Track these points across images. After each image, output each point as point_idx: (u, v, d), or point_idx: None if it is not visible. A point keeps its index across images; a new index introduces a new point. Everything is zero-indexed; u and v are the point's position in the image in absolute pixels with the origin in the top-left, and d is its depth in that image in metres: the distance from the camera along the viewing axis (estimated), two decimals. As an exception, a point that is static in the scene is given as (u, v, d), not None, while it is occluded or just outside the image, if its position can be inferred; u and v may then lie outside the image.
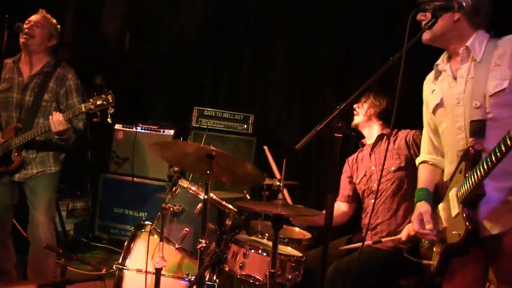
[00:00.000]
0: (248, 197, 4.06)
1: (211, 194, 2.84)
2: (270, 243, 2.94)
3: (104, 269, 3.11)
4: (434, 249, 2.30)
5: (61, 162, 3.67)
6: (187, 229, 2.89)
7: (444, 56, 2.31)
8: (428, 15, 2.16)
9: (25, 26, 3.50)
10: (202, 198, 2.82)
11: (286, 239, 3.41)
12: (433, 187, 2.38)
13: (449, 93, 2.22)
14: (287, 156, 3.35)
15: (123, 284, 2.96)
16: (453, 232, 2.10)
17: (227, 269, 2.83)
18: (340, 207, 3.52)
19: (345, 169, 3.54)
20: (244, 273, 2.75)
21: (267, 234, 3.40)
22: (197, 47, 5.69)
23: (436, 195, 2.37)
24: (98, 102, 3.25)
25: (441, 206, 2.26)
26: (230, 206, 3.03)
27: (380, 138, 3.33)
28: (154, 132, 5.22)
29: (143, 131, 5.22)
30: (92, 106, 3.26)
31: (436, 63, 2.33)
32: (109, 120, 3.29)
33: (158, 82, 5.73)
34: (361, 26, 4.85)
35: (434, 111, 2.32)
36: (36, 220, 3.52)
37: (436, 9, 2.10)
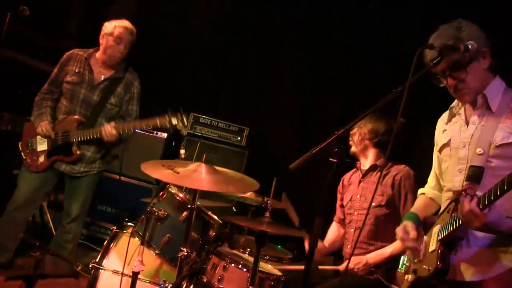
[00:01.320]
0: (234, 209, 4.03)
1: (198, 203, 2.81)
2: (251, 259, 2.91)
3: (80, 266, 3.06)
4: (405, 277, 2.37)
5: (107, 161, 3.90)
6: (169, 236, 2.86)
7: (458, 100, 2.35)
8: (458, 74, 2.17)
9: (114, 43, 3.68)
10: (188, 206, 2.79)
11: (267, 257, 3.38)
12: (423, 216, 2.45)
13: (457, 136, 2.27)
14: (278, 175, 3.32)
15: (97, 284, 2.90)
16: (424, 266, 2.19)
17: (205, 280, 2.79)
18: (339, 229, 3.47)
19: (339, 189, 3.50)
20: (222, 286, 2.71)
21: (248, 249, 3.37)
22: (200, 54, 5.70)
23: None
24: (174, 122, 3.43)
25: (425, 239, 2.32)
26: (215, 217, 3.00)
27: (373, 168, 3.28)
28: (146, 134, 5.19)
29: (136, 131, 5.18)
30: (168, 124, 3.44)
31: (451, 105, 2.38)
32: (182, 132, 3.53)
33: (156, 84, 5.70)
34: (368, 51, 4.87)
35: (440, 150, 2.39)
36: (69, 214, 3.75)
37: (443, 48, 2.12)
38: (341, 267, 3.07)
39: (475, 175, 2.10)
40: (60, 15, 5.59)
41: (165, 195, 2.97)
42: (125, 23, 3.76)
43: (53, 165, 3.69)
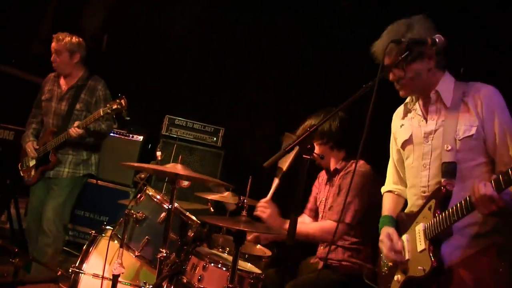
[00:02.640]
0: (212, 210, 4.06)
1: (176, 204, 2.83)
2: (230, 258, 2.94)
3: (59, 272, 3.05)
4: (395, 278, 2.35)
5: (91, 165, 4.15)
6: (148, 237, 2.88)
7: (412, 96, 2.42)
8: (398, 72, 2.26)
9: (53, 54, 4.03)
10: (166, 207, 2.82)
11: (246, 255, 3.42)
12: (395, 215, 2.49)
13: (418, 131, 2.34)
14: (253, 173, 3.35)
15: (78, 289, 2.90)
16: (419, 267, 2.18)
17: (185, 280, 2.82)
18: (305, 220, 3.50)
19: (315, 184, 3.52)
20: (202, 286, 2.75)
21: (228, 249, 3.40)
22: (177, 55, 5.69)
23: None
24: (114, 106, 3.71)
25: (405, 237, 2.32)
26: (194, 218, 3.03)
27: (336, 172, 3.25)
28: (122, 137, 5.18)
29: (111, 134, 5.16)
30: (108, 110, 3.71)
31: (406, 101, 2.45)
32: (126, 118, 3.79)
33: (132, 85, 5.68)
34: (343, 51, 4.94)
35: (403, 146, 2.44)
36: (44, 215, 3.90)
37: (411, 42, 2.17)
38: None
39: (449, 170, 2.16)
40: (31, 20, 5.53)
41: (142, 197, 2.99)
42: (59, 34, 4.05)
43: (43, 176, 4.01)
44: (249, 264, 3.20)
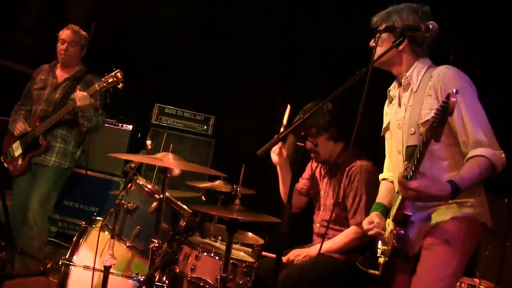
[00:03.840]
0: (203, 198, 4.03)
1: (167, 194, 2.80)
2: (223, 247, 2.92)
3: (49, 264, 3.00)
4: (379, 260, 2.43)
5: (75, 160, 4.10)
6: (139, 228, 2.84)
7: (395, 83, 2.47)
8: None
9: (60, 45, 4.02)
10: (158, 197, 2.78)
11: (239, 243, 3.39)
12: (389, 202, 2.51)
13: (394, 118, 2.41)
14: (245, 161, 3.32)
15: (68, 281, 2.86)
16: (385, 247, 2.30)
17: (178, 270, 2.79)
18: (296, 197, 3.47)
19: (309, 166, 3.49)
20: (195, 276, 2.72)
21: (220, 237, 3.37)
22: (165, 43, 5.62)
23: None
24: (110, 80, 3.73)
25: (387, 221, 2.39)
26: (185, 207, 2.99)
27: (335, 165, 3.23)
28: (111, 126, 5.11)
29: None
30: (105, 84, 3.73)
31: (389, 89, 2.50)
32: (120, 86, 3.76)
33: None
34: (335, 39, 4.92)
35: (383, 133, 2.52)
36: (29, 205, 3.83)
37: (404, 29, 2.22)
38: (284, 259, 3.10)
39: (412, 154, 2.14)
40: (16, 8, 5.43)
41: (133, 187, 2.95)
42: (72, 26, 4.07)
43: (31, 163, 3.94)
44: (241, 252, 3.18)
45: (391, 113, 2.45)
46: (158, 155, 2.83)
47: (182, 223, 2.94)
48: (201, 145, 5.12)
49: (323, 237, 2.96)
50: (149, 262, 2.69)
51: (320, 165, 3.40)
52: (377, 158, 2.90)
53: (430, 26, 2.19)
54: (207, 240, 3.22)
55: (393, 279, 2.37)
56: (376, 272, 2.44)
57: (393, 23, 2.29)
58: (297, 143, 2.03)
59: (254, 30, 5.36)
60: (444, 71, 2.22)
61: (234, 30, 5.46)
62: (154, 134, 4.92)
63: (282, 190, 3.37)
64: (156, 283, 2.76)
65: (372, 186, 3.00)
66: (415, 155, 1.98)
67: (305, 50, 5.24)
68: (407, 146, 2.24)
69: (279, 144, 3.15)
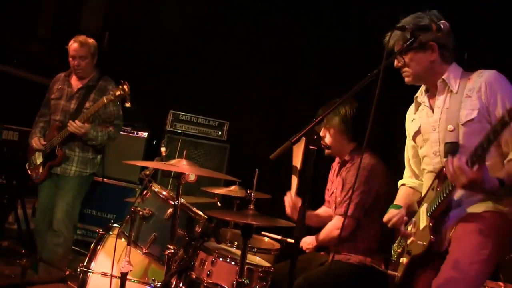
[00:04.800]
0: (219, 204, 4.03)
1: (182, 200, 2.81)
2: (238, 252, 2.92)
3: (67, 271, 3.04)
4: (400, 261, 2.41)
5: (96, 165, 4.16)
6: (155, 234, 2.85)
7: (422, 89, 2.50)
8: (401, 59, 2.36)
9: (71, 59, 4.04)
10: (173, 203, 2.79)
11: (255, 249, 3.39)
12: (406, 205, 2.51)
13: (426, 121, 2.41)
14: (259, 166, 3.32)
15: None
16: (418, 242, 2.26)
17: (194, 276, 2.79)
18: (321, 211, 3.48)
19: (329, 175, 3.49)
20: (211, 281, 2.72)
21: (236, 243, 3.37)
22: (177, 50, 5.66)
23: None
24: (117, 93, 3.77)
25: (412, 221, 2.39)
26: (200, 213, 3.00)
27: (344, 163, 3.24)
28: (127, 134, 5.15)
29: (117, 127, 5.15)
30: (112, 97, 3.77)
31: (416, 95, 2.52)
32: (127, 104, 3.83)
33: (135, 82, 5.65)
34: (342, 40, 4.90)
35: (414, 138, 2.52)
36: (54, 215, 3.90)
37: (415, 29, 2.22)
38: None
39: (451, 150, 2.20)
40: (30, 19, 5.51)
41: (148, 194, 2.97)
42: (79, 37, 4.06)
43: (51, 172, 4.01)
44: (257, 257, 3.18)
45: (421, 118, 2.46)
46: (173, 162, 2.85)
47: (198, 229, 2.96)
48: (215, 150, 5.13)
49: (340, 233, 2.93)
50: (165, 268, 2.70)
51: (336, 166, 3.40)
52: (389, 160, 2.89)
53: (442, 26, 2.21)
54: (222, 246, 3.23)
55: (416, 280, 2.34)
56: (396, 273, 2.41)
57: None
58: (310, 147, 2.02)
59: (268, 42, 5.37)
60: (485, 74, 2.26)
61: (244, 33, 5.47)
62: (169, 141, 4.93)
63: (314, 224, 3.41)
64: (172, 289, 2.77)
65: (370, 184, 3.01)
66: (481, 144, 1.93)
67: (305, 50, 5.23)
68: (446, 143, 2.26)
69: (294, 197, 3.17)
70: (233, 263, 2.74)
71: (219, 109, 5.43)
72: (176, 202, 2.74)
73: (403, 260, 2.38)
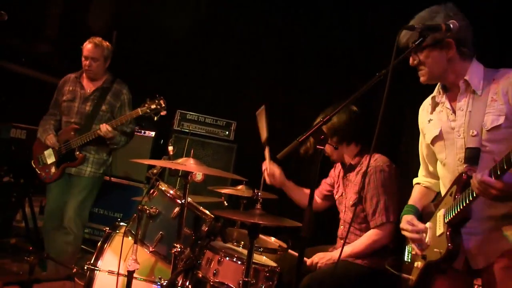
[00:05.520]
0: (226, 204, 4.04)
1: (189, 199, 2.81)
2: (245, 252, 2.92)
3: (74, 269, 3.05)
4: (415, 265, 2.35)
5: (108, 165, 4.22)
6: (162, 233, 2.86)
7: (439, 87, 2.35)
8: (415, 58, 2.24)
9: (83, 60, 4.04)
10: (180, 202, 2.80)
11: (262, 249, 3.39)
12: (421, 206, 2.47)
13: (448, 126, 2.26)
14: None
15: (93, 285, 2.89)
16: (435, 250, 2.17)
17: (200, 275, 2.80)
18: (315, 199, 3.49)
19: (330, 173, 3.50)
20: (218, 280, 2.73)
21: (242, 242, 3.37)
22: (184, 50, 5.67)
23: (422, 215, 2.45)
24: (152, 106, 3.76)
25: (428, 225, 2.31)
26: (207, 212, 3.00)
27: (351, 167, 3.21)
28: (134, 133, 5.15)
29: (132, 127, 5.16)
30: (147, 110, 3.77)
31: (433, 94, 2.38)
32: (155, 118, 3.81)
33: (141, 82, 5.67)
34: (347, 38, 4.89)
35: (433, 143, 2.36)
36: (65, 213, 3.95)
37: (424, 29, 2.13)
38: (308, 261, 3.09)
39: (471, 156, 2.10)
40: (37, 19, 5.54)
41: (155, 192, 2.97)
42: (94, 39, 4.08)
43: (64, 172, 4.03)
44: (264, 257, 3.18)
45: (441, 121, 2.31)
46: (180, 160, 2.86)
47: (204, 228, 2.96)
48: (223, 150, 5.14)
49: (345, 239, 2.92)
50: (171, 267, 2.71)
51: (341, 168, 3.39)
52: (397, 159, 2.86)
53: (451, 26, 2.11)
54: (229, 245, 3.23)
55: (430, 286, 2.29)
56: (410, 277, 2.37)
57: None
58: (317, 147, 2.01)
59: (277, 35, 5.36)
60: None
61: (255, 35, 5.48)
62: (176, 140, 4.95)
63: (296, 200, 3.44)
64: (179, 287, 2.78)
65: (389, 185, 2.99)
66: (506, 158, 1.82)
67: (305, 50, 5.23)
68: (467, 148, 2.14)
69: (268, 165, 3.22)
70: (239, 262, 2.74)
71: (226, 109, 5.43)
72: (183, 201, 2.75)
73: (418, 264, 2.33)
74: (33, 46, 5.44)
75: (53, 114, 4.22)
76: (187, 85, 5.67)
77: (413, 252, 2.40)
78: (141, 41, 5.78)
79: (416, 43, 2.13)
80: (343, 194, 3.26)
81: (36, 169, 4.11)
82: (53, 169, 4.03)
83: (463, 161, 2.18)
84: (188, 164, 2.78)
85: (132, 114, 3.83)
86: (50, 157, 4.04)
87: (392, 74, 2.03)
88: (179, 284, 2.77)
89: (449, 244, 2.10)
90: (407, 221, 2.37)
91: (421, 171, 2.60)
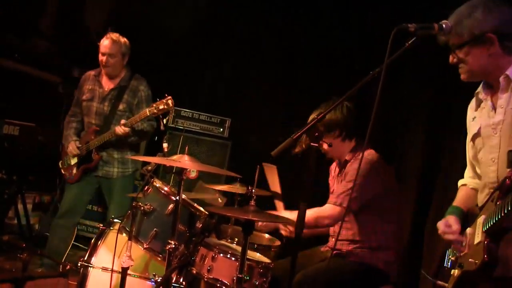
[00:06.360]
0: (220, 200, 4.04)
1: (183, 196, 2.82)
2: (239, 248, 2.93)
3: (68, 266, 3.05)
4: (452, 272, 2.23)
5: (136, 162, 4.22)
6: (156, 229, 2.86)
7: (482, 84, 2.24)
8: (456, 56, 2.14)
9: (100, 56, 4.01)
10: (174, 199, 2.80)
11: (256, 245, 3.40)
12: (466, 208, 2.33)
13: (487, 123, 2.16)
14: (261, 163, 3.33)
15: (87, 282, 2.90)
16: (470, 260, 2.05)
17: (194, 272, 2.81)
18: None
19: (330, 178, 3.47)
20: (212, 277, 2.74)
21: (236, 239, 3.38)
22: (180, 47, 5.66)
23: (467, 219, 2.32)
24: (161, 107, 3.64)
25: (468, 231, 2.18)
26: (201, 209, 3.01)
27: (346, 163, 3.20)
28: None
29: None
30: (155, 111, 3.65)
31: (477, 91, 2.27)
32: (164, 122, 3.61)
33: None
34: (347, 38, 4.90)
35: (473, 140, 2.27)
36: (108, 215, 4.02)
37: (417, 29, 2.04)
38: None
39: None
40: (33, 15, 5.51)
41: (150, 189, 2.97)
42: (112, 35, 4.05)
43: (85, 174, 4.09)
44: (258, 254, 3.19)
45: (481, 118, 2.18)
46: (174, 157, 2.86)
47: (199, 225, 2.97)
48: (217, 147, 5.14)
49: (337, 235, 2.90)
50: (166, 264, 2.71)
51: (334, 168, 3.40)
52: (392, 158, 2.86)
53: (444, 26, 2.05)
54: (223, 242, 3.24)
55: None
56: (446, 285, 2.23)
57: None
58: (311, 144, 2.02)
59: (274, 32, 5.36)
60: None
61: (252, 33, 5.47)
62: (171, 137, 4.94)
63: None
64: (173, 284, 2.79)
65: (368, 178, 2.96)
66: None
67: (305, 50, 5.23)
68: (509, 151, 1.96)
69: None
70: (233, 259, 2.75)
71: (220, 106, 5.44)
72: (177, 198, 2.75)
73: (455, 272, 2.18)
74: (28, 42, 5.41)
75: (75, 115, 4.25)
76: (183, 82, 5.65)
77: (453, 258, 2.27)
78: (137, 38, 5.75)
79: (410, 42, 2.04)
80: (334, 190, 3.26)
81: (62, 170, 4.19)
82: (74, 170, 4.09)
83: (495, 161, 2.08)
84: (182, 161, 2.79)
85: (141, 115, 3.78)
86: (73, 159, 4.11)
87: (386, 72, 2.02)
88: (173, 281, 2.78)
89: (485, 256, 1.94)
90: (444, 222, 2.24)
91: (468, 172, 2.45)
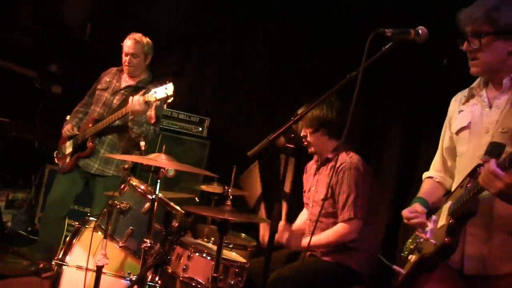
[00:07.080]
0: (197, 200, 4.05)
1: (160, 194, 2.81)
2: (215, 247, 2.94)
3: (41, 264, 3.02)
4: (409, 257, 2.24)
5: (121, 170, 3.87)
6: (132, 228, 2.85)
7: (480, 81, 2.21)
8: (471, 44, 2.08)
9: (123, 56, 3.97)
10: (150, 197, 2.80)
11: (231, 245, 3.42)
12: (431, 200, 2.31)
13: (479, 120, 2.12)
14: (238, 163, 3.34)
15: (61, 281, 2.87)
16: (431, 241, 2.02)
17: (170, 270, 2.81)
18: (304, 214, 3.48)
19: (304, 177, 3.49)
20: (187, 276, 2.74)
21: (212, 238, 3.39)
22: (160, 43, 5.62)
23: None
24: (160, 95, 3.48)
25: (433, 217, 2.16)
26: (178, 208, 3.00)
27: (326, 161, 3.25)
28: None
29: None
30: (154, 97, 3.50)
31: (472, 86, 2.24)
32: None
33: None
34: (347, 37, 4.94)
35: (458, 132, 2.22)
36: (92, 212, 3.83)
37: (395, 33, 2.07)
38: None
39: (494, 151, 1.89)
40: (9, 8, 5.43)
41: (126, 187, 2.96)
42: (134, 35, 4.00)
43: (78, 164, 3.94)
44: (234, 253, 3.20)
45: (473, 113, 2.15)
46: (152, 156, 2.86)
47: (175, 224, 2.96)
48: (196, 146, 5.13)
49: (312, 234, 2.93)
50: (141, 262, 2.71)
51: (311, 167, 3.43)
52: (370, 158, 2.90)
53: (420, 31, 2.05)
54: (199, 241, 3.24)
55: (423, 282, 2.15)
56: (401, 270, 2.23)
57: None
58: (287, 145, 2.04)
59: (260, 31, 5.37)
60: None
61: (237, 31, 5.48)
62: (149, 136, 4.91)
63: None
64: (148, 283, 2.78)
65: (361, 183, 3.02)
66: None
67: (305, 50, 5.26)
68: (491, 142, 1.95)
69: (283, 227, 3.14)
70: (209, 258, 2.77)
71: (200, 106, 5.43)
72: (153, 196, 2.74)
73: (412, 257, 2.19)
74: (3, 35, 5.32)
75: (86, 104, 4.15)
76: (163, 79, 5.62)
77: (411, 246, 2.27)
78: (117, 33, 5.71)
79: (386, 47, 2.06)
80: (313, 188, 3.30)
81: (56, 159, 4.10)
82: (67, 159, 3.99)
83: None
84: (159, 159, 2.78)
85: (151, 95, 3.52)
86: (68, 148, 4.01)
87: (363, 75, 2.05)
88: (148, 280, 2.77)
89: (446, 238, 1.92)
90: (409, 208, 2.24)
91: (435, 165, 2.43)
